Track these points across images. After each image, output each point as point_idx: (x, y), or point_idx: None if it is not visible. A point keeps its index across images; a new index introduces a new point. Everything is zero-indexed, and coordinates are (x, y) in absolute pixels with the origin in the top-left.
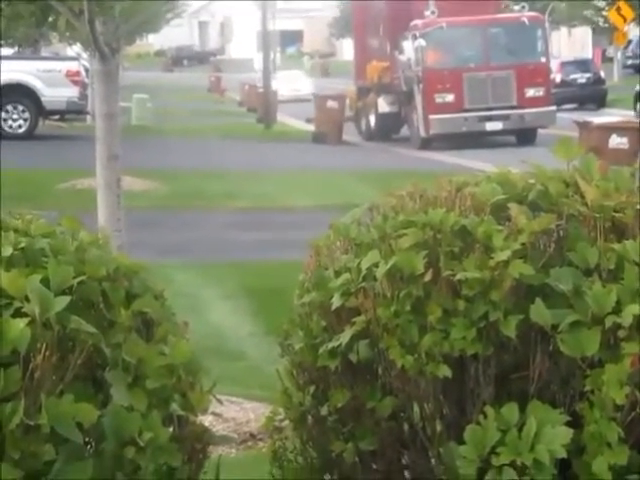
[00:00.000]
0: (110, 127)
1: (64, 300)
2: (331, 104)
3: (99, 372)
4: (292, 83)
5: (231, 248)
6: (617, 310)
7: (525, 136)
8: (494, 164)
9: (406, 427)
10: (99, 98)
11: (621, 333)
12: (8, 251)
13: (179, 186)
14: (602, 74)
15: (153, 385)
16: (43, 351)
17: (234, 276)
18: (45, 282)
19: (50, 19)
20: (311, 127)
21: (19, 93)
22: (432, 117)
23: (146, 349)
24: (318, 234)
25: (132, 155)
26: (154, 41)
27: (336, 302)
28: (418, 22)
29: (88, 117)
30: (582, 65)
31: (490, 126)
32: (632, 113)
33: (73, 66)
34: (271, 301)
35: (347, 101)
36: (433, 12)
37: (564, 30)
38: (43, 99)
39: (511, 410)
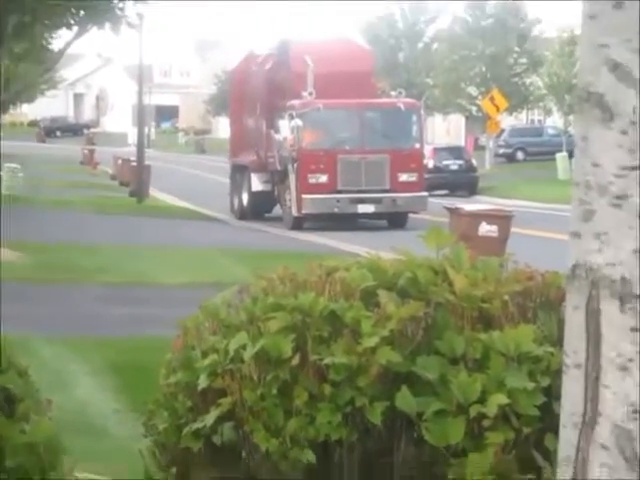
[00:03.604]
0: None
1: None
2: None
3: None
4: None
5: (98, 323)
6: (482, 400)
7: (396, 220)
8: (365, 247)
9: None
10: None
11: (486, 423)
12: None
13: (46, 258)
14: (474, 162)
15: (11, 463)
16: None
17: (99, 352)
18: None
19: None
20: (181, 203)
21: None
22: (305, 197)
23: (6, 426)
24: (186, 311)
25: None
26: (28, 111)
27: (202, 383)
28: (295, 102)
29: None
30: (454, 152)
31: (362, 208)
32: (502, 201)
33: None
34: (136, 378)
35: None
36: (310, 93)
37: (438, 117)
38: None
39: None
